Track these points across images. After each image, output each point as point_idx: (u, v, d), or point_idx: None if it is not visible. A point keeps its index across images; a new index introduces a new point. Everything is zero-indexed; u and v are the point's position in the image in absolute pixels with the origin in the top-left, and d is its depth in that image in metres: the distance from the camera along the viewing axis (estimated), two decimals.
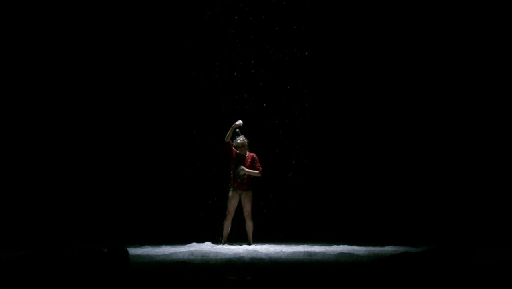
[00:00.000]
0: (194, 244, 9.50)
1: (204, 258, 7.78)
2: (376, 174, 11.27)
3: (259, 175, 9.70)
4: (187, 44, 11.23)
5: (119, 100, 11.25)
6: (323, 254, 8.22)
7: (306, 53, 11.11)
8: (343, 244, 9.35)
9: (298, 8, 11.23)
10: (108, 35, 11.14)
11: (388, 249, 8.99)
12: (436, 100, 11.16)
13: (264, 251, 8.50)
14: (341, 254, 8.15)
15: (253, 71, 11.20)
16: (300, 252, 8.34)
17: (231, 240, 9.70)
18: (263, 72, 11.24)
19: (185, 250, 8.47)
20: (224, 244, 9.53)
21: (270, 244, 9.74)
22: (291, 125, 11.39)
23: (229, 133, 9.61)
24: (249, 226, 9.65)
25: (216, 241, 9.66)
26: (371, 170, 11.31)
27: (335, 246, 9.19)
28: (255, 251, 8.55)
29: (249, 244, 9.60)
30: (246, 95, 11.22)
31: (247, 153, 9.71)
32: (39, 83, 10.93)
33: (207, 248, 9.03)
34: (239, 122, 9.65)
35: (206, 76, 11.26)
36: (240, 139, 9.63)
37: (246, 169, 9.61)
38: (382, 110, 11.36)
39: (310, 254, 8.17)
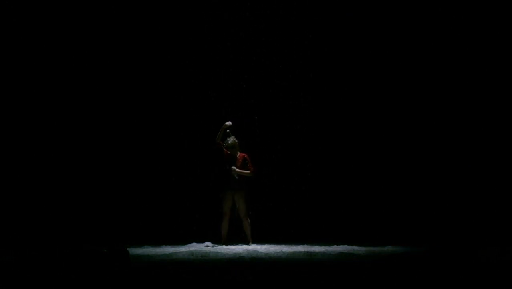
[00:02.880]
0: (194, 244, 9.52)
1: (204, 258, 7.78)
2: (376, 174, 11.27)
3: (251, 175, 9.74)
4: (185, 44, 11.24)
5: (119, 101, 11.24)
6: (323, 254, 8.22)
7: (306, 41, 11.15)
8: (343, 244, 9.35)
9: (298, 9, 11.24)
10: (107, 35, 11.14)
11: (388, 249, 8.99)
12: (436, 100, 11.16)
13: (264, 251, 8.51)
14: (341, 254, 8.15)
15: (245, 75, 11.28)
16: (300, 252, 8.34)
17: (231, 241, 9.72)
18: (256, 71, 11.29)
19: (185, 250, 8.47)
20: (223, 244, 9.54)
21: (270, 244, 9.74)
22: (291, 126, 11.40)
23: (219, 134, 9.66)
24: (246, 225, 9.67)
25: (216, 241, 9.68)
26: (371, 170, 11.30)
27: (335, 246, 9.19)
28: (255, 251, 8.56)
29: (248, 243, 9.62)
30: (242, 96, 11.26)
31: (238, 153, 9.76)
32: (39, 83, 10.93)
33: (207, 248, 9.04)
34: (229, 123, 9.71)
35: (205, 76, 11.28)
36: (231, 140, 9.69)
37: (237, 170, 9.66)
38: (382, 110, 11.35)
39: (310, 254, 8.17)
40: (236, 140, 9.73)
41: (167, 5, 11.20)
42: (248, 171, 9.72)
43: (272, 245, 9.53)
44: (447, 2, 10.96)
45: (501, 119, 10.90)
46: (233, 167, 9.68)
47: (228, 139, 9.71)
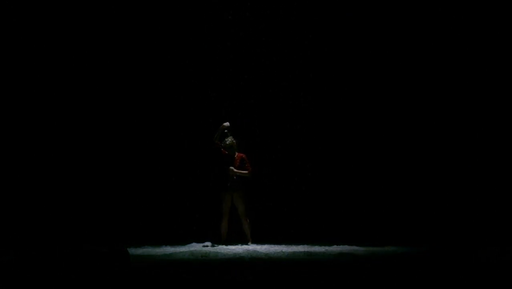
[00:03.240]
0: (194, 244, 9.52)
1: (204, 258, 7.79)
2: (376, 174, 11.27)
3: (248, 175, 9.75)
4: (185, 44, 11.24)
5: (119, 101, 11.24)
6: (323, 254, 8.22)
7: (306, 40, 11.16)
8: (343, 244, 9.35)
9: (298, 9, 11.24)
10: (107, 35, 11.14)
11: (388, 249, 8.99)
12: (435, 100, 11.15)
13: (264, 251, 8.51)
14: (341, 254, 8.15)
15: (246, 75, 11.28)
16: (300, 252, 8.34)
17: (231, 241, 9.72)
18: (256, 72, 11.30)
19: (185, 250, 8.47)
20: (223, 243, 9.55)
21: (270, 244, 9.75)
22: (291, 126, 11.40)
23: (217, 134, 9.68)
24: (246, 225, 9.69)
25: (216, 241, 9.68)
26: (371, 170, 11.30)
27: (335, 246, 9.19)
28: (255, 251, 8.56)
29: (248, 242, 9.62)
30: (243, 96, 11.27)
31: (236, 153, 9.77)
32: (39, 83, 10.93)
33: (207, 248, 9.04)
34: (227, 123, 9.73)
35: (205, 76, 11.28)
36: (229, 140, 9.71)
37: (235, 170, 9.67)
38: (381, 110, 11.35)
39: (310, 254, 8.17)
40: (234, 141, 9.74)
41: (167, 5, 11.20)
42: (246, 171, 9.73)
43: (272, 245, 9.53)
44: (447, 2, 10.96)
45: (501, 119, 10.90)
46: (231, 167, 9.69)
47: (226, 139, 9.72)
